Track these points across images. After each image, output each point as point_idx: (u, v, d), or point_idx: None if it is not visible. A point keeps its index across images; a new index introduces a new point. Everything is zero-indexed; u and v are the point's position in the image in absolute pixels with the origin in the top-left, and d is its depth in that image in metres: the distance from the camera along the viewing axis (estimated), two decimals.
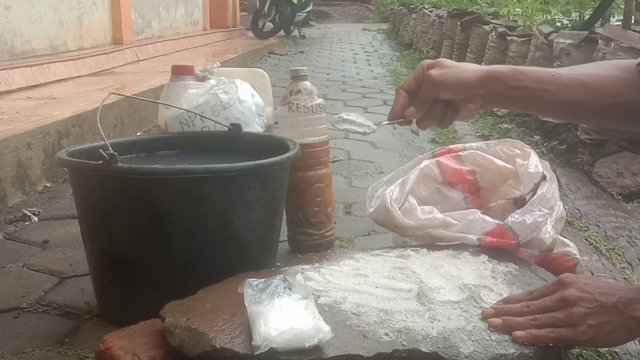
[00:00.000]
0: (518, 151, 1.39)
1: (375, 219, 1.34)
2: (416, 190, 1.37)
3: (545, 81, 1.04)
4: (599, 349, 1.09)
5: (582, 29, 3.06)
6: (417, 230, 1.26)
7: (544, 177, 1.26)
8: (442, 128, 1.18)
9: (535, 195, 1.23)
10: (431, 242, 1.25)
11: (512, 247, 1.19)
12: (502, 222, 1.21)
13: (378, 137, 3.03)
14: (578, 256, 1.29)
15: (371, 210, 1.35)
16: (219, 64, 1.79)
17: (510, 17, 4.55)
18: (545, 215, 1.20)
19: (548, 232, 1.22)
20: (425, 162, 1.41)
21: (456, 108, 1.10)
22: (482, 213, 1.26)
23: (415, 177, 1.37)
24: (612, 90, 1.02)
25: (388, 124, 1.16)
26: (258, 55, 6.78)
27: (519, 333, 0.93)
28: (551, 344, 0.93)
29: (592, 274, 1.42)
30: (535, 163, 1.31)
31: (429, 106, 1.08)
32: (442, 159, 1.42)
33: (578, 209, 1.92)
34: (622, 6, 2.97)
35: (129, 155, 1.41)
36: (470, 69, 1.07)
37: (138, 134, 2.90)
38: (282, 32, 9.19)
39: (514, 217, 1.20)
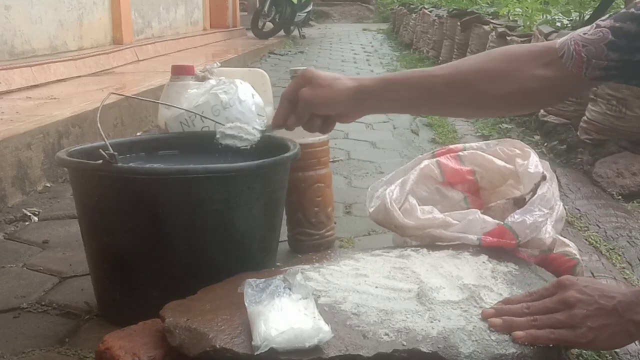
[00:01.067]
0: (518, 151, 1.39)
1: (375, 219, 1.34)
2: (416, 190, 1.37)
3: (423, 88, 1.05)
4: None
5: None
6: (417, 230, 1.26)
7: (544, 177, 1.26)
8: (323, 134, 1.25)
9: (535, 195, 1.23)
10: (431, 242, 1.25)
11: (512, 247, 1.19)
12: (502, 222, 1.21)
13: (378, 137, 3.03)
14: (578, 256, 1.29)
15: (371, 210, 1.35)
16: (219, 64, 1.79)
17: (510, 17, 4.55)
18: (545, 215, 1.20)
19: (548, 232, 1.22)
20: (425, 162, 1.41)
21: (334, 119, 1.13)
22: (482, 213, 1.26)
23: (415, 177, 1.37)
24: (505, 81, 1.00)
25: (270, 132, 1.21)
26: (258, 55, 6.78)
27: (519, 333, 0.93)
28: (551, 345, 0.93)
29: (592, 274, 1.42)
30: (535, 163, 1.31)
31: (307, 118, 1.11)
32: (442, 159, 1.42)
33: (578, 209, 1.92)
34: (622, 6, 2.97)
35: (129, 155, 1.40)
36: (340, 87, 1.07)
37: (138, 134, 2.90)
38: (282, 32, 9.19)
39: (514, 217, 1.20)
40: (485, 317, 0.96)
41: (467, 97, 1.03)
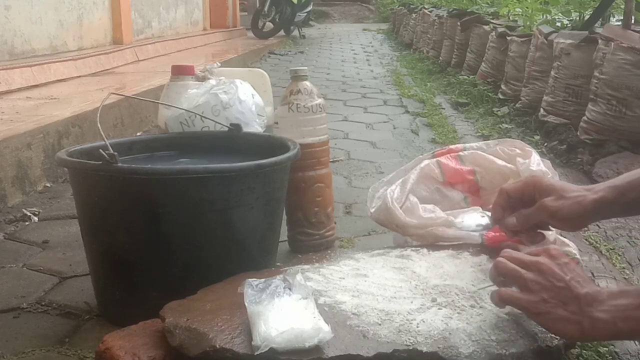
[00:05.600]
0: (519, 151, 1.39)
1: (377, 219, 1.34)
2: (416, 190, 1.37)
3: None
4: (599, 350, 1.10)
5: (582, 29, 3.06)
6: (419, 229, 1.26)
7: (546, 174, 1.26)
8: (531, 244, 1.14)
9: None
10: (433, 241, 1.25)
11: (515, 242, 1.19)
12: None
13: (378, 137, 3.03)
14: (578, 256, 1.29)
15: (372, 210, 1.35)
16: (219, 64, 1.79)
17: (510, 17, 4.55)
18: None
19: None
20: (426, 162, 1.41)
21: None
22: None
23: (416, 177, 1.37)
24: None
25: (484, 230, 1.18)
26: (258, 55, 6.78)
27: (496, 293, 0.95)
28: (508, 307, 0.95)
29: (592, 274, 1.42)
30: (537, 161, 1.31)
31: (530, 225, 1.09)
32: (443, 159, 1.42)
33: None
34: (622, 6, 2.97)
35: (129, 156, 1.41)
36: (583, 200, 1.02)
37: (138, 134, 2.90)
38: (282, 32, 9.19)
39: None
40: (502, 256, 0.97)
41: None
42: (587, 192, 1.03)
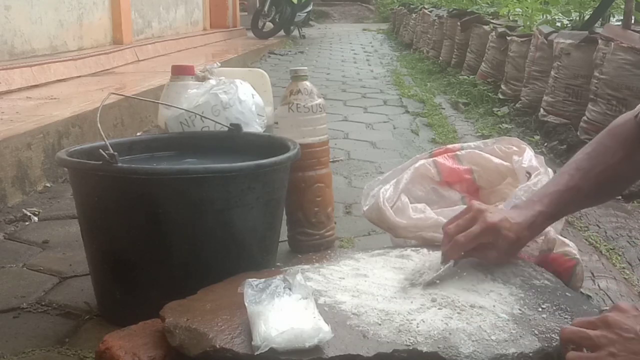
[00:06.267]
0: (515, 148, 1.39)
1: (369, 218, 1.34)
2: (412, 190, 1.36)
3: (574, 204, 1.16)
4: None
5: (582, 29, 3.06)
6: (409, 231, 1.25)
7: (535, 169, 1.26)
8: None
9: (520, 187, 1.23)
10: (426, 243, 1.24)
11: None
12: None
13: (378, 137, 3.03)
14: (578, 256, 1.29)
15: (365, 209, 1.34)
16: (219, 64, 1.79)
17: (510, 17, 4.55)
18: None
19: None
20: (421, 162, 1.41)
21: None
22: None
23: (410, 177, 1.37)
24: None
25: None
26: (258, 55, 6.78)
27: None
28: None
29: (592, 274, 1.42)
30: (529, 158, 1.31)
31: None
32: (439, 159, 1.42)
33: None
34: (622, 6, 2.97)
35: (129, 156, 1.40)
36: (535, 228, 1.12)
37: (138, 134, 2.90)
38: (282, 32, 9.18)
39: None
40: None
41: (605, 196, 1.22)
42: (531, 214, 1.11)
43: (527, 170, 1.28)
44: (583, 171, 1.14)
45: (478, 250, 1.10)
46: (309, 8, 10.23)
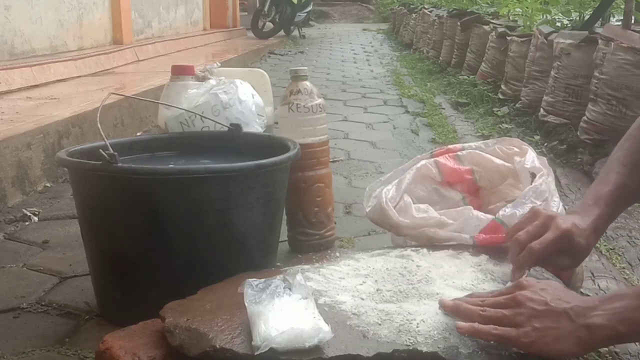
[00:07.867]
0: (516, 149, 1.39)
1: (371, 219, 1.34)
2: (414, 190, 1.36)
3: (625, 203, 1.15)
4: (599, 350, 1.09)
5: (582, 29, 3.06)
6: (412, 229, 1.25)
7: (539, 171, 1.26)
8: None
9: (528, 188, 1.23)
10: (427, 242, 1.24)
11: (503, 240, 1.18)
12: (494, 217, 1.21)
13: (378, 137, 3.03)
14: None
15: (368, 209, 1.34)
16: (219, 64, 1.79)
17: (510, 17, 4.55)
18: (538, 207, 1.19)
19: None
20: (423, 162, 1.41)
21: None
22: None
23: (412, 177, 1.37)
24: None
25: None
26: (258, 55, 6.78)
27: (462, 324, 0.90)
28: (492, 342, 0.90)
29: (592, 274, 1.42)
30: (531, 159, 1.31)
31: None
32: (441, 159, 1.42)
33: None
34: (622, 6, 2.97)
35: (129, 156, 1.40)
36: (592, 240, 1.09)
37: (138, 134, 2.90)
38: (282, 32, 9.19)
39: (505, 211, 1.20)
40: (440, 304, 0.96)
41: None
42: (588, 224, 1.08)
43: (531, 171, 1.28)
44: (628, 167, 1.13)
45: (549, 258, 1.06)
46: (309, 8, 10.24)
